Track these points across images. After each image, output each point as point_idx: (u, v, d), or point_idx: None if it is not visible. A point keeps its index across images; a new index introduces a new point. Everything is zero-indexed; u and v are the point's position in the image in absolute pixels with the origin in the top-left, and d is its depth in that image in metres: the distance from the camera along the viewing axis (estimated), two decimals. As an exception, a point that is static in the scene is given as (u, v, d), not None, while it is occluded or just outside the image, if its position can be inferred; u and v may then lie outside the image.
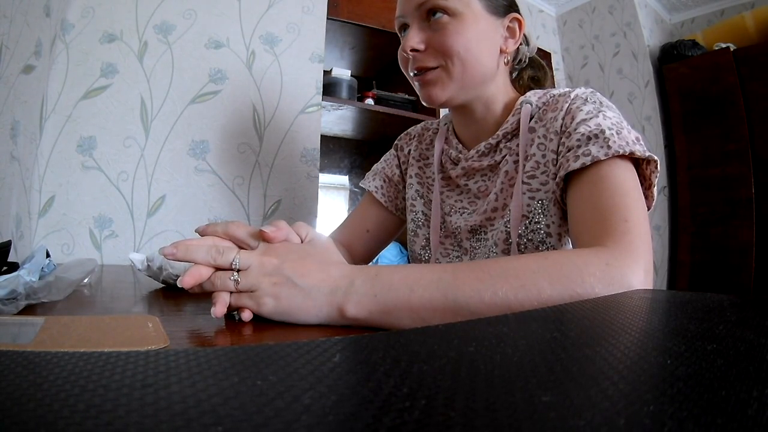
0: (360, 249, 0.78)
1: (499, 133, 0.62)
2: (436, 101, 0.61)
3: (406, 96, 1.55)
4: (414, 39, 0.59)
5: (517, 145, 0.61)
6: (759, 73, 1.81)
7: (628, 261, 0.39)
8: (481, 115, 0.65)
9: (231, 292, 0.39)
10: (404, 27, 0.63)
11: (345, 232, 0.80)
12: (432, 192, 0.72)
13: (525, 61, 0.69)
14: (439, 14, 0.58)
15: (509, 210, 0.60)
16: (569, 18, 2.49)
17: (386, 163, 0.81)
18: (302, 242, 0.44)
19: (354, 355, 0.18)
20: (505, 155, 0.62)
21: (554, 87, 0.66)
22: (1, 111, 0.73)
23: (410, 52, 0.60)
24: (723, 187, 1.90)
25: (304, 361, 0.16)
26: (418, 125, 0.81)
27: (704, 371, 0.15)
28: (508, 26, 0.62)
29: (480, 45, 0.59)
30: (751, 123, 1.83)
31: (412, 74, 0.63)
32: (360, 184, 0.84)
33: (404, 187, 0.79)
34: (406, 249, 1.67)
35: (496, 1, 0.61)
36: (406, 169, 0.78)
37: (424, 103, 0.64)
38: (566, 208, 0.54)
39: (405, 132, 0.82)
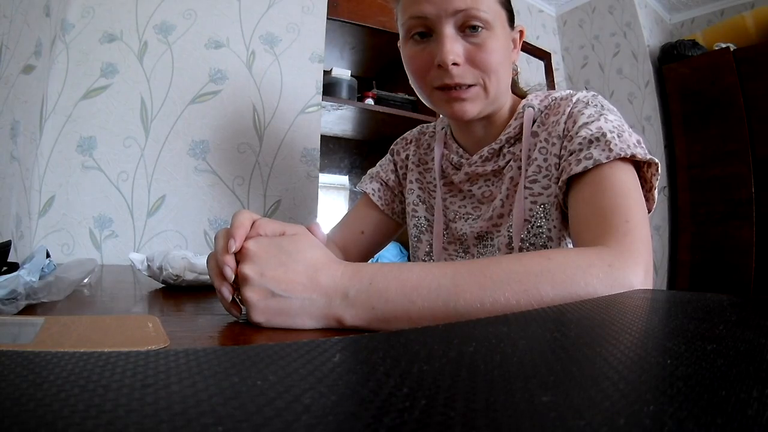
0: (354, 251, 0.78)
1: (502, 137, 0.62)
2: (467, 117, 0.58)
3: (406, 96, 1.55)
4: (455, 51, 0.54)
5: (521, 150, 0.61)
6: (759, 73, 1.81)
7: (630, 262, 0.39)
8: (487, 122, 0.64)
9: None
10: (424, 29, 0.56)
11: (339, 234, 0.79)
12: (434, 197, 0.72)
13: None
14: (480, 28, 0.54)
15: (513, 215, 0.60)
16: (569, 18, 2.49)
17: (381, 168, 0.81)
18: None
19: (354, 355, 0.18)
20: (509, 160, 0.62)
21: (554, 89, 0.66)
22: (1, 111, 0.73)
23: (451, 66, 0.54)
24: (723, 187, 1.90)
25: (304, 361, 0.16)
26: (414, 129, 0.81)
27: (704, 371, 0.15)
28: (513, 38, 0.62)
29: (507, 60, 0.59)
30: (751, 123, 1.83)
31: (435, 86, 0.57)
32: (357, 187, 0.83)
33: (400, 191, 0.79)
34: (407, 249, 1.67)
35: (511, 13, 0.60)
36: (405, 174, 0.78)
37: (446, 117, 0.60)
38: (567, 210, 0.54)
39: (401, 137, 0.81)
